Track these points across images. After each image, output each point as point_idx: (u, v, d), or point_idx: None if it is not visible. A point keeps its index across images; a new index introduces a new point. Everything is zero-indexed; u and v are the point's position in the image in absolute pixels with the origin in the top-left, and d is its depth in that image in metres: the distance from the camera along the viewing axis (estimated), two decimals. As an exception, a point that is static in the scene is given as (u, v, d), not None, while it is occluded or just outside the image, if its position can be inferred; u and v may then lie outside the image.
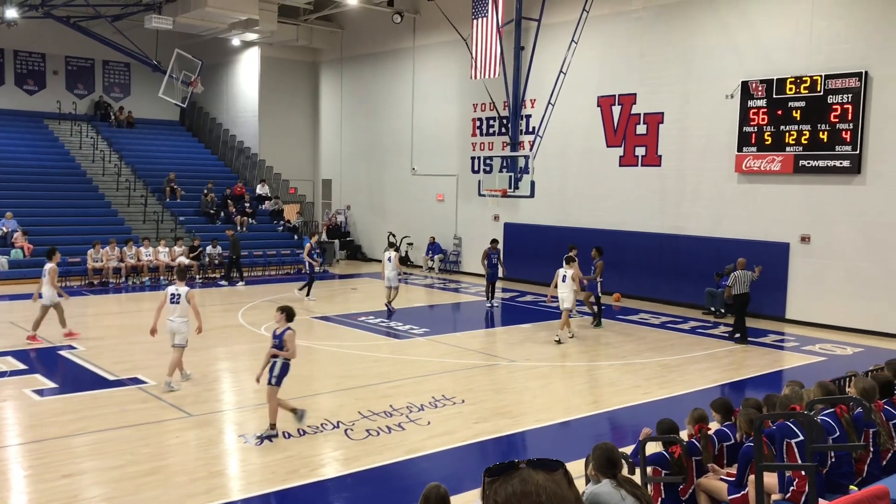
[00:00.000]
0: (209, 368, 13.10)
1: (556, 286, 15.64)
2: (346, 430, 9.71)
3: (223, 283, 23.45)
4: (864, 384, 6.81)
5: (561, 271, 15.50)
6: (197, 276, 23.94)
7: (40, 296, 14.71)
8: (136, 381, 12.02)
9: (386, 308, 18.36)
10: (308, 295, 20.21)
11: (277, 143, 31.61)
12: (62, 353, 13.89)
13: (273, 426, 9.51)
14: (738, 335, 15.89)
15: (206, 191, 28.28)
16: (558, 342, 15.23)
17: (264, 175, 31.12)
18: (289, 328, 9.64)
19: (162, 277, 23.29)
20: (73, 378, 12.38)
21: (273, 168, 31.64)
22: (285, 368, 9.65)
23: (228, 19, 26.14)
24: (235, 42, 30.77)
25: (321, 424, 9.93)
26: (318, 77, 32.33)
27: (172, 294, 12.15)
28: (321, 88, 32.26)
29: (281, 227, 28.93)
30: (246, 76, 32.02)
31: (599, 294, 17.11)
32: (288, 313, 9.79)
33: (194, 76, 27.06)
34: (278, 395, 9.66)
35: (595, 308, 17.25)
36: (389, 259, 18.79)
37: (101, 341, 14.98)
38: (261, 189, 30.12)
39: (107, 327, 16.85)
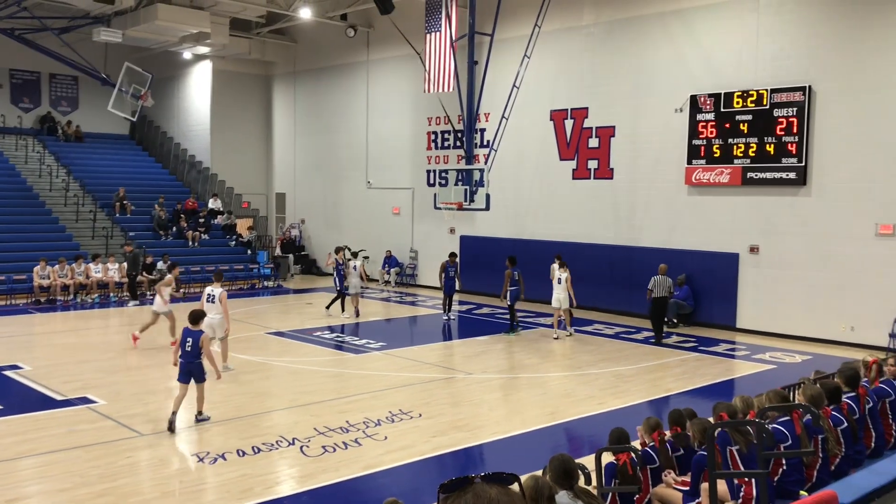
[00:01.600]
0: (162, 386, 12.85)
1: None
2: (301, 447, 9.60)
3: (132, 304, 21.93)
4: (812, 391, 6.96)
5: (556, 272, 17.34)
6: (147, 292, 23.50)
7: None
8: (85, 400, 11.73)
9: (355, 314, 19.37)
10: (328, 308, 20.14)
11: (230, 157, 31.27)
12: (7, 373, 13.49)
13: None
14: (662, 335, 17.07)
15: (156, 206, 27.84)
16: (556, 338, 17.05)
17: (216, 189, 30.75)
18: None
19: (112, 294, 22.81)
20: (18, 399, 12.01)
21: (225, 182, 31.29)
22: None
23: (179, 33, 25.84)
24: (187, 55, 30.42)
25: (276, 441, 9.79)
26: (270, 90, 32.12)
27: (209, 294, 13.67)
28: (274, 102, 32.05)
29: (234, 242, 28.58)
30: (197, 90, 31.66)
31: (512, 302, 17.86)
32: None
33: (144, 90, 26.67)
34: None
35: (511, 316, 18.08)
36: (355, 267, 19.62)
37: (49, 361, 14.60)
38: (213, 203, 29.75)
39: (55, 346, 16.43)
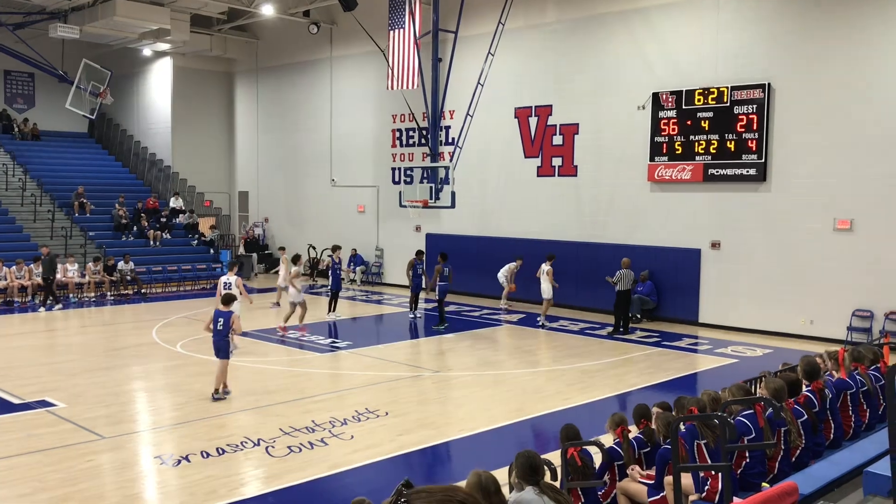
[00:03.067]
0: (122, 388, 12.66)
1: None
2: (266, 448, 9.52)
3: (41, 309, 20.81)
4: (774, 384, 7.07)
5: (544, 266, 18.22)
6: (109, 293, 23.15)
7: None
8: (44, 403, 11.50)
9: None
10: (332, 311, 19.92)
11: (191, 155, 30.89)
12: (-37, 377, 13.18)
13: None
14: (620, 328, 17.53)
15: (117, 205, 27.40)
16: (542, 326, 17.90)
17: (178, 188, 30.35)
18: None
19: (71, 295, 22.41)
20: (-25, 403, 11.75)
21: (187, 180, 30.91)
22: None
23: (139, 29, 25.43)
24: (147, 52, 29.98)
25: (241, 442, 9.70)
26: (233, 87, 31.78)
27: (225, 282, 15.44)
28: (237, 99, 31.72)
29: (196, 242, 28.24)
30: (158, 87, 31.20)
31: (441, 297, 18.50)
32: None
33: (103, 87, 26.24)
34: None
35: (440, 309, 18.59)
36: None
37: (7, 363, 14.28)
38: (174, 202, 29.36)
39: (12, 349, 16.08)
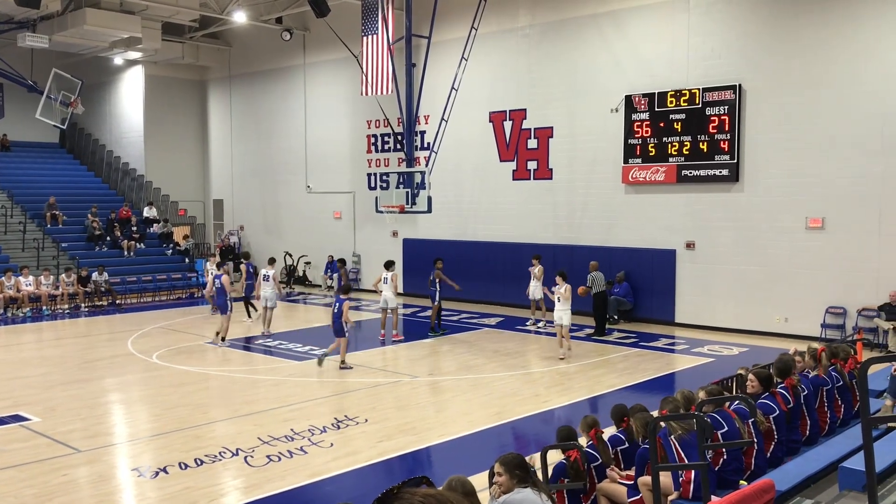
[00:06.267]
0: (98, 400, 12.51)
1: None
2: (245, 458, 9.45)
3: None
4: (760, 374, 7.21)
5: (567, 286, 15.34)
6: (83, 304, 22.88)
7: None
8: (17, 418, 11.33)
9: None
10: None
11: (165, 164, 30.62)
12: (-66, 392, 12.96)
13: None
14: (596, 329, 17.66)
15: (89, 215, 27.10)
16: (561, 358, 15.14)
17: (151, 197, 30.08)
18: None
19: (45, 308, 22.12)
20: (-54, 419, 11.56)
21: (161, 189, 30.64)
22: None
23: (109, 37, 25.16)
24: (118, 61, 29.68)
25: (219, 453, 9.62)
26: (206, 95, 31.58)
27: (265, 275, 18.55)
28: (210, 107, 31.51)
29: (170, 251, 28.00)
30: (130, 95, 30.92)
31: (437, 301, 18.00)
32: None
33: (74, 96, 25.96)
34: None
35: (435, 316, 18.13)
36: (266, 278, 18.78)
37: (-22, 378, 14.06)
38: (148, 212, 29.09)
39: (-16, 363, 15.84)
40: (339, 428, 10.64)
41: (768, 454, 7.01)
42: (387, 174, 23.91)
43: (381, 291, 17.46)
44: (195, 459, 9.34)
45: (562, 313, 15.17)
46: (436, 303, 18.02)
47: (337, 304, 14.52)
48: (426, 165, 21.26)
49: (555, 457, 6.79)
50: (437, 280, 17.84)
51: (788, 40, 16.93)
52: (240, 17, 24.91)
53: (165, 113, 30.44)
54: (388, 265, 17.76)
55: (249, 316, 20.52)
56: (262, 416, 11.31)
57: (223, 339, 16.93)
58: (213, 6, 24.97)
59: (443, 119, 20.75)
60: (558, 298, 15.26)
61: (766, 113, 17.24)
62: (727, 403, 7.01)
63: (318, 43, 26.39)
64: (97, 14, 23.14)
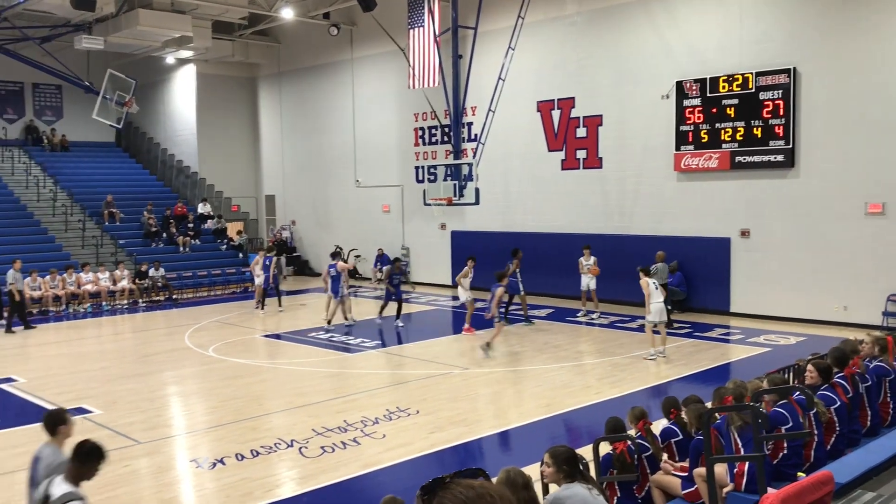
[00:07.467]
0: (156, 393, 12.82)
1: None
2: (300, 449, 9.59)
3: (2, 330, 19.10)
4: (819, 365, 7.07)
5: (650, 280, 14.22)
6: (140, 300, 23.43)
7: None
8: (81, 410, 11.67)
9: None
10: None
11: (218, 161, 31.17)
12: (2, 386, 13.44)
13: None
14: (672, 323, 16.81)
15: (145, 212, 27.73)
16: (653, 358, 14.14)
17: (205, 193, 30.64)
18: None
19: (104, 303, 22.71)
20: (13, 412, 11.97)
21: (214, 186, 31.19)
22: None
23: (161, 37, 25.68)
24: (170, 60, 30.27)
25: (275, 444, 9.78)
26: (256, 92, 32.01)
27: (331, 266, 18.48)
28: (260, 103, 31.94)
29: (224, 246, 28.50)
30: (182, 94, 31.52)
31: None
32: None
33: (129, 96, 26.51)
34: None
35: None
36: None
37: (44, 372, 14.53)
38: (202, 208, 29.65)
39: (48, 357, 16.36)
40: (391, 419, 10.71)
41: (828, 447, 6.85)
42: (434, 167, 23.93)
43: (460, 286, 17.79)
44: (251, 451, 9.51)
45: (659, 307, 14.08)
46: (521, 293, 17.91)
47: (492, 291, 15.04)
48: (473, 157, 21.24)
49: (606, 449, 6.74)
50: (517, 270, 17.77)
51: (843, 20, 16.44)
52: (287, 14, 25.17)
53: (217, 110, 30.96)
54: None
55: (263, 307, 21.18)
56: (316, 408, 11.46)
57: (329, 322, 18.19)
58: (261, 4, 25.28)
59: (490, 110, 20.69)
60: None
61: (822, 96, 16.78)
62: (792, 394, 6.84)
63: (365, 37, 26.52)
64: (149, 14, 23.62)
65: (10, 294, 19.07)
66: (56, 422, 5.97)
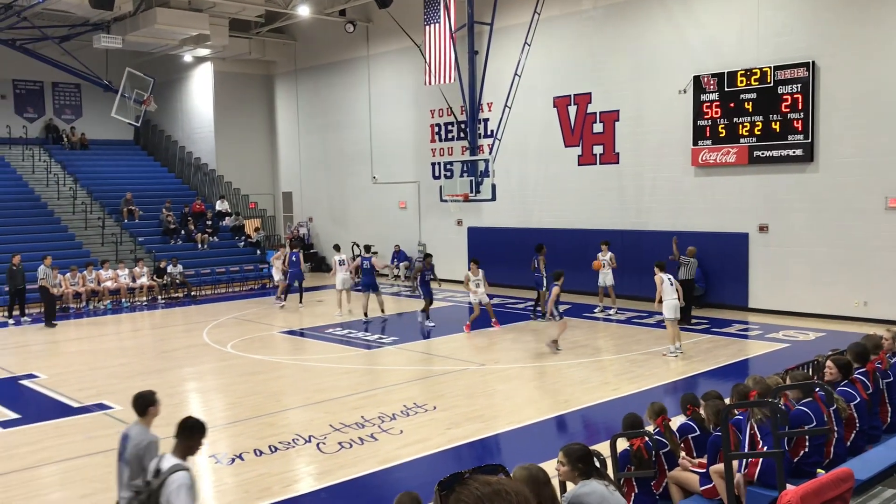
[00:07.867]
0: (175, 389, 12.92)
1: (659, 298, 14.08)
2: (318, 444, 9.64)
3: (10, 322, 19.90)
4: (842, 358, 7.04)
5: (664, 276, 14.09)
6: (159, 297, 23.61)
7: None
8: (101, 406, 11.80)
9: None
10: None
11: (235, 158, 31.34)
12: (23, 382, 13.60)
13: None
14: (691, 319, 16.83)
15: (164, 210, 27.93)
16: (674, 354, 13.95)
17: (223, 191, 30.82)
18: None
19: (124, 300, 22.91)
20: (35, 407, 12.11)
21: (232, 183, 31.36)
22: None
23: (179, 36, 25.86)
24: (187, 58, 30.45)
25: (293, 440, 9.84)
26: (272, 89, 32.13)
27: (340, 260, 19.70)
28: (277, 101, 32.06)
29: (242, 243, 28.66)
30: (200, 92, 31.70)
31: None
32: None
33: (147, 94, 26.69)
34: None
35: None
36: (341, 262, 20.08)
37: (64, 368, 14.69)
38: (220, 205, 29.83)
39: (69, 354, 16.53)
40: (408, 415, 10.75)
41: (848, 443, 6.80)
42: (451, 163, 23.91)
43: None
44: (269, 446, 9.58)
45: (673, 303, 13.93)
46: (543, 289, 17.66)
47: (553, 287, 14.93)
48: (490, 153, 21.21)
49: (623, 445, 6.73)
50: (543, 266, 17.69)
51: (862, 13, 16.27)
52: (304, 11, 25.23)
53: (234, 108, 31.12)
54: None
55: (285, 300, 21.56)
56: (333, 404, 11.51)
57: (366, 314, 19.02)
58: (277, 1, 25.37)
59: (506, 106, 20.65)
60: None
61: (841, 90, 16.62)
62: (815, 390, 6.79)
63: (380, 34, 26.54)
64: (167, 13, 23.78)
65: (42, 289, 19.28)
66: (146, 403, 6.49)
